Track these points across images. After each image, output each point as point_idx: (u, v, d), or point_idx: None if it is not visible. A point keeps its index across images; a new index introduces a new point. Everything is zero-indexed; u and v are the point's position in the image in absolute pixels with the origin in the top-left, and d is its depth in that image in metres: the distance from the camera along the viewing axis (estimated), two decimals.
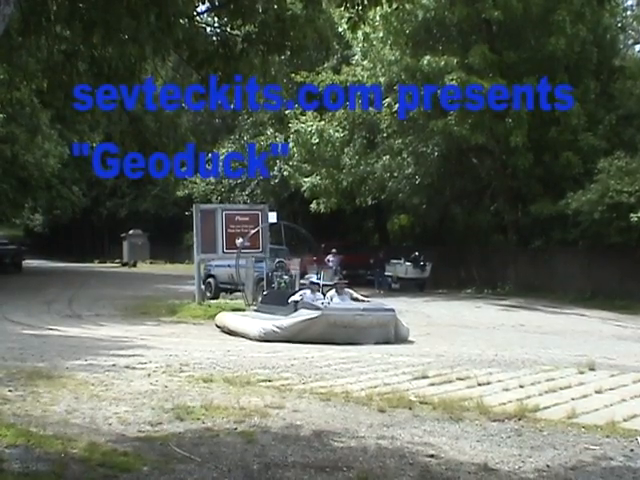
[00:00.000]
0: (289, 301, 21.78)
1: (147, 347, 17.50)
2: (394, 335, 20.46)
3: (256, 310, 24.06)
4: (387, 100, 39.03)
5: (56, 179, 53.44)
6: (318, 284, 22.91)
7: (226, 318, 23.75)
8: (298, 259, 28.59)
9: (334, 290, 22.25)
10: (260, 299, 25.38)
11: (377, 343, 19.25)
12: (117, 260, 68.15)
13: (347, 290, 22.36)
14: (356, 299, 22.16)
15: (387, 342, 19.72)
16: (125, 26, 7.84)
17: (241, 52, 8.86)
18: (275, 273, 26.13)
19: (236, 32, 9.00)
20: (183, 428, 9.06)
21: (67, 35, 8.61)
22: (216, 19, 9.61)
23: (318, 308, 20.47)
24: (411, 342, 20.29)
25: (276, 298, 23.60)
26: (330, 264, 36.94)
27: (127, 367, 13.78)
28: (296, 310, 20.91)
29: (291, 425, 9.29)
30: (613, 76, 39.09)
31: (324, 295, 22.09)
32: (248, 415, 9.65)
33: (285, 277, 25.89)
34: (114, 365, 13.99)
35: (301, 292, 22.40)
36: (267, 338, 20.09)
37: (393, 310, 21.20)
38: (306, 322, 20.02)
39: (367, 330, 19.93)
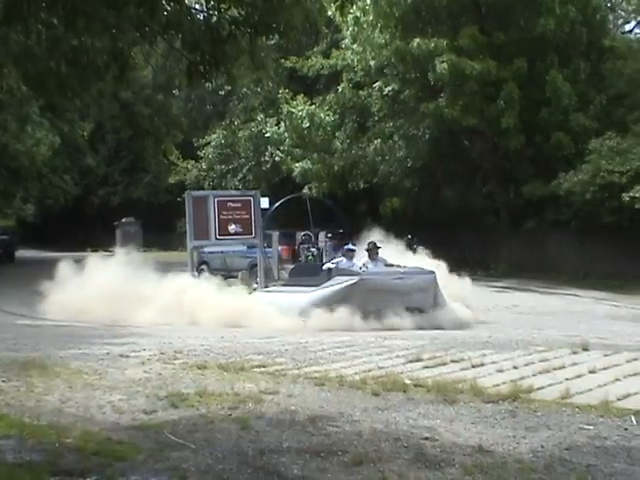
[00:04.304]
0: (323, 268, 21.09)
1: (141, 335, 17.45)
2: (433, 302, 19.62)
3: (284, 284, 23.01)
4: (378, 84, 39.05)
5: (47, 168, 53.31)
6: (354, 250, 21.66)
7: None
8: (324, 232, 27.39)
9: (367, 256, 21.14)
10: (288, 273, 24.13)
11: (417, 310, 18.94)
12: (110, 249, 67.98)
13: (381, 256, 21.20)
14: (391, 265, 20.99)
15: (425, 310, 19.19)
16: (107, 13, 7.80)
17: (229, 35, 8.81)
18: (302, 246, 24.97)
19: (223, 15, 8.96)
20: (177, 415, 9.04)
21: (52, 22, 8.56)
22: (203, 2, 9.55)
23: (356, 273, 19.77)
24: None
25: (305, 270, 22.88)
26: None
27: (121, 355, 13.76)
28: (330, 278, 20.18)
29: (285, 410, 9.27)
30: (603, 56, 39.12)
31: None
32: (242, 401, 9.64)
33: (313, 249, 24.63)
34: (108, 353, 13.96)
35: (335, 260, 21.57)
36: (306, 315, 19.31)
37: (434, 273, 20.25)
38: (344, 289, 19.31)
39: (407, 295, 19.17)
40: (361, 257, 21.20)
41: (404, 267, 20.74)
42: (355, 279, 19.46)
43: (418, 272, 20.29)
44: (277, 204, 27.12)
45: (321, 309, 19.22)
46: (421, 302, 19.27)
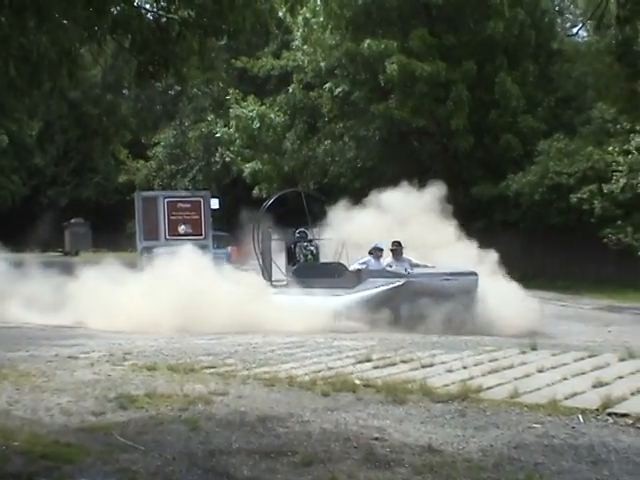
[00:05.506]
0: (350, 269, 20.11)
1: (89, 336, 17.33)
2: (475, 304, 18.55)
3: (286, 285, 21.51)
4: (328, 85, 39.10)
5: None
6: (382, 249, 20.41)
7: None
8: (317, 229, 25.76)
9: (391, 257, 20.26)
10: (292, 273, 22.06)
11: (461, 312, 18.02)
12: (59, 249, 67.34)
13: (405, 256, 20.20)
14: (417, 266, 19.92)
15: (468, 312, 18.18)
16: (55, 12, 7.75)
17: (178, 36, 8.79)
18: (299, 244, 23.10)
19: (173, 16, 8.94)
20: (127, 417, 8.99)
21: (0, 20, 8.49)
22: (154, 3, 9.52)
23: (401, 275, 18.85)
24: None
25: (312, 270, 21.58)
26: None
27: (70, 357, 13.65)
28: (360, 280, 19.36)
29: (235, 411, 9.26)
30: (551, 59, 39.53)
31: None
32: (192, 402, 9.61)
33: (311, 248, 23.01)
34: (56, 355, 13.85)
35: (363, 260, 20.38)
36: (341, 319, 18.31)
37: (476, 274, 19.21)
38: (388, 292, 18.48)
39: (452, 298, 18.22)
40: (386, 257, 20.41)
41: (433, 267, 19.95)
42: (401, 281, 18.67)
43: (462, 272, 19.33)
44: (271, 199, 25.42)
45: (361, 312, 18.42)
46: (465, 305, 18.35)
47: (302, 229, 23.56)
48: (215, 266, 21.82)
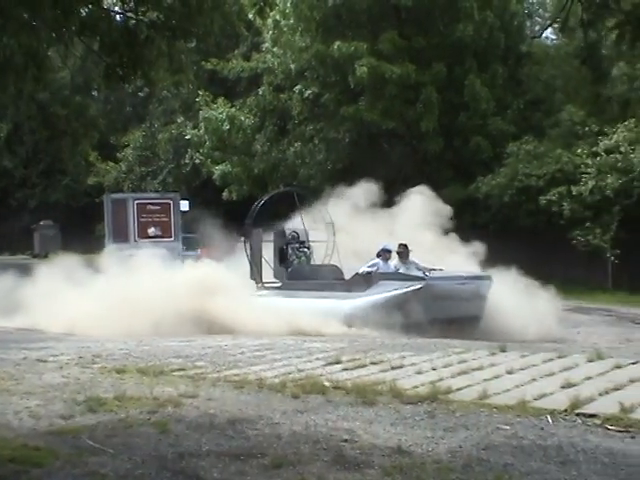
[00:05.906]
0: (360, 272, 19.43)
1: (59, 339, 17.23)
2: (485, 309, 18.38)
3: (280, 288, 21.01)
4: (298, 87, 39.10)
5: None
6: (391, 251, 19.86)
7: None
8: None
9: (397, 259, 19.75)
10: (286, 276, 21.59)
11: (473, 318, 17.79)
12: (28, 252, 66.92)
13: (412, 259, 19.67)
14: (425, 269, 19.16)
15: (480, 317, 18.06)
16: (22, 13, 7.73)
17: (146, 38, 8.78)
18: (291, 246, 22.30)
19: (142, 18, 8.92)
20: (96, 420, 8.94)
21: None
22: (122, 5, 9.50)
23: (419, 278, 18.31)
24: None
25: (310, 273, 21.23)
26: None
27: (38, 360, 13.57)
28: (370, 284, 18.83)
29: (205, 414, 9.23)
30: (520, 62, 39.79)
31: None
32: (162, 405, 9.57)
33: (304, 249, 22.34)
34: (25, 358, 13.77)
35: (372, 262, 19.74)
36: (353, 323, 18.00)
37: (490, 277, 19.17)
38: (405, 295, 18.04)
39: (468, 302, 18.03)
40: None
41: (441, 269, 19.39)
42: (420, 284, 18.13)
43: (477, 276, 19.22)
44: (264, 199, 24.17)
45: (376, 315, 17.86)
46: (479, 310, 18.20)
47: (294, 230, 22.86)
48: (179, 267, 21.70)
